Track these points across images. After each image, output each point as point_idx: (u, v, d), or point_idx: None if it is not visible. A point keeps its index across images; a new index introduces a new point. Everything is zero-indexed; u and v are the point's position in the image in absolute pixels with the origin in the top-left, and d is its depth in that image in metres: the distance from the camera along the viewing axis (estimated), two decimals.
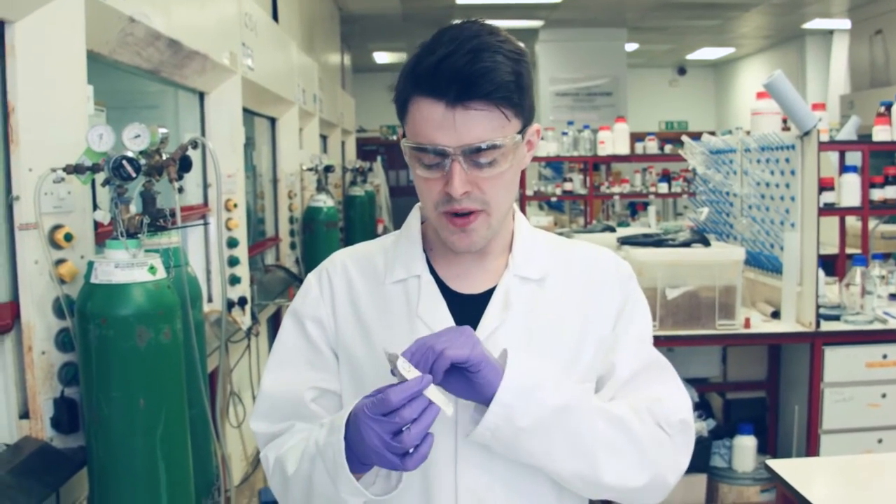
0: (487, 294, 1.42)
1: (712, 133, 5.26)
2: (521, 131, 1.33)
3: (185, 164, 2.39)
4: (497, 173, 1.31)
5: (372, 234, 8.90)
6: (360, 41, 12.32)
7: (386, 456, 1.19)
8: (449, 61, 1.26)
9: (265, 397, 1.47)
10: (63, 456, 2.21)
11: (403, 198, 16.01)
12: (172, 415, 2.17)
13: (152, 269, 2.15)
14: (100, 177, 2.22)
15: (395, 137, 15.51)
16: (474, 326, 1.36)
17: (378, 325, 1.42)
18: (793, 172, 3.82)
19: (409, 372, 1.20)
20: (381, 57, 14.13)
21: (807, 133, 3.66)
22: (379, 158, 12.99)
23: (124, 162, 2.07)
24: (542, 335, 1.39)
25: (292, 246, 6.02)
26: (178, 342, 2.20)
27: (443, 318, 1.39)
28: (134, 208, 2.26)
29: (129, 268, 2.12)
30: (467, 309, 1.40)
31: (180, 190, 2.32)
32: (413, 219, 1.50)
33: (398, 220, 13.23)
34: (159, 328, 2.13)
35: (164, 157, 2.32)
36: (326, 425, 1.31)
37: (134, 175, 2.09)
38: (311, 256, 5.99)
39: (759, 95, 4.25)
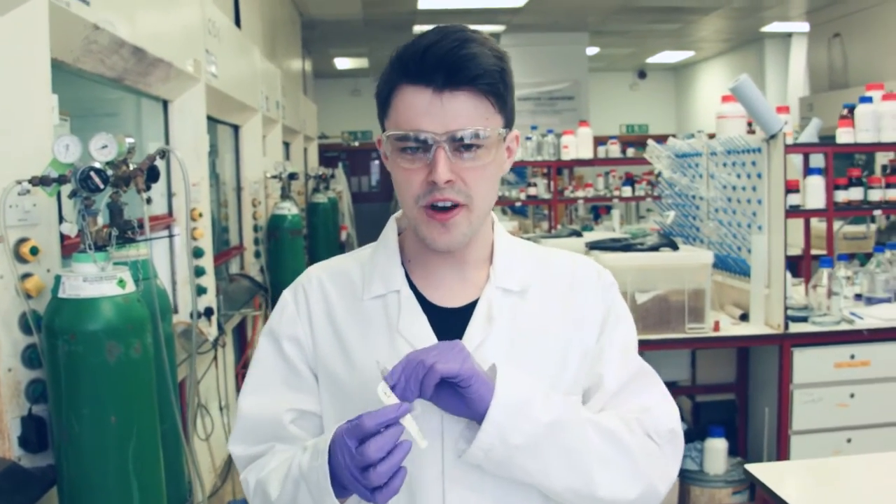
0: (468, 307, 1.39)
1: (673, 136, 5.30)
2: (504, 131, 1.33)
3: (152, 175, 2.35)
4: (480, 165, 1.30)
5: (335, 242, 8.84)
6: (322, 46, 12.25)
7: (358, 489, 1.19)
8: (436, 48, 1.26)
9: (243, 420, 1.44)
10: (32, 475, 2.15)
11: (365, 204, 15.97)
12: (144, 430, 2.12)
13: (121, 283, 2.10)
14: (65, 188, 2.17)
15: (356, 144, 15.46)
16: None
17: (358, 342, 1.39)
18: (759, 175, 3.85)
19: (389, 398, 1.18)
20: (343, 62, 14.07)
21: (773, 136, 3.69)
22: (340, 165, 12.93)
23: (92, 173, 2.02)
24: (527, 348, 1.37)
25: (257, 254, 5.96)
26: (148, 356, 2.15)
27: (424, 333, 1.36)
28: (101, 220, 2.21)
29: (98, 281, 2.07)
30: (448, 323, 1.38)
31: (148, 201, 2.27)
32: (390, 230, 1.47)
33: (360, 227, 13.20)
34: (129, 343, 2.08)
35: (131, 167, 2.28)
36: (310, 449, 1.29)
37: (102, 186, 2.04)
38: (277, 265, 5.93)
39: (725, 99, 4.29)
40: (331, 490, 1.21)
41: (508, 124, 1.35)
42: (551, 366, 1.38)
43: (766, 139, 3.74)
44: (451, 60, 1.25)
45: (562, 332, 1.40)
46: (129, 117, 3.77)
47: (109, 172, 2.14)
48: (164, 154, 2.28)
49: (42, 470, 2.17)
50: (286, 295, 1.47)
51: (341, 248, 9.51)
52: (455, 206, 1.30)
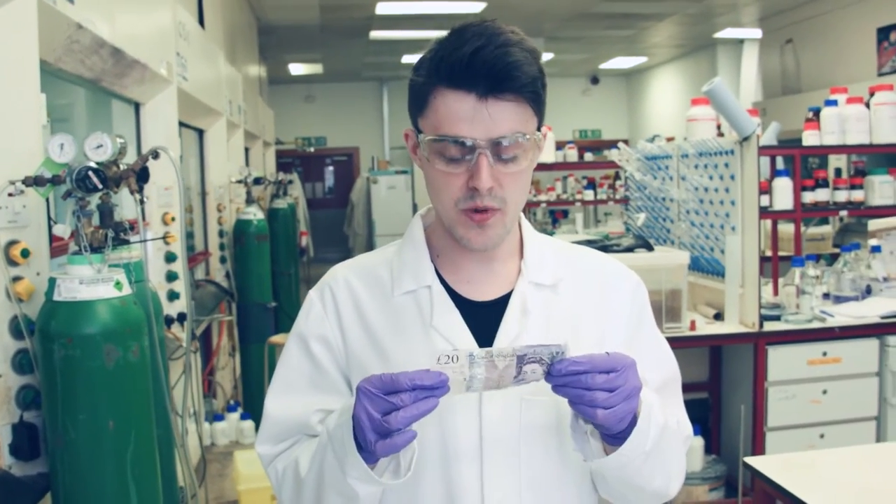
0: (500, 301, 1.38)
1: (625, 141, 5.35)
2: (539, 133, 1.33)
3: (143, 175, 2.31)
4: (518, 170, 1.29)
5: (296, 247, 8.77)
6: (277, 52, 12.17)
7: (364, 430, 1.15)
8: (481, 54, 1.24)
9: (270, 421, 1.41)
10: (23, 484, 2.10)
11: (320, 210, 15.89)
12: (142, 436, 2.09)
13: (118, 285, 2.07)
14: (58, 189, 2.12)
15: (311, 150, 15.37)
16: (492, 334, 1.34)
17: (391, 339, 1.37)
18: (732, 177, 3.90)
19: (455, 363, 1.13)
20: (297, 68, 13.99)
21: (746, 138, 3.75)
22: (295, 171, 12.85)
23: (90, 173, 1.99)
24: (562, 340, 1.36)
25: (222, 260, 5.90)
26: (146, 360, 2.12)
27: (458, 327, 1.35)
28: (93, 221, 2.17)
29: (94, 284, 2.03)
30: (481, 317, 1.37)
31: (141, 202, 2.23)
32: (416, 227, 1.45)
33: (317, 233, 13.13)
34: (128, 346, 2.05)
35: (122, 167, 2.24)
36: (337, 410, 1.27)
37: (100, 186, 2.00)
38: (242, 270, 5.87)
39: (695, 102, 4.34)
40: (353, 443, 1.18)
41: (541, 124, 1.34)
42: None
43: (740, 141, 3.80)
44: (498, 68, 1.24)
45: (595, 328, 1.40)
46: (80, 122, 3.66)
47: None
48: (156, 155, 2.24)
49: (34, 478, 2.13)
50: (312, 295, 1.44)
51: (302, 254, 9.45)
52: (491, 209, 1.30)
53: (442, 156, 1.28)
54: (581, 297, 1.42)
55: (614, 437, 1.23)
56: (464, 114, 1.26)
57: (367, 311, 1.40)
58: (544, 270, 1.41)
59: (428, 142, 1.29)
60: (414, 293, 1.39)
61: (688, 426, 1.45)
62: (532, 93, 1.27)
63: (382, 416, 1.14)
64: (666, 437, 1.30)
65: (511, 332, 1.35)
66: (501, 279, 1.40)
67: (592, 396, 1.16)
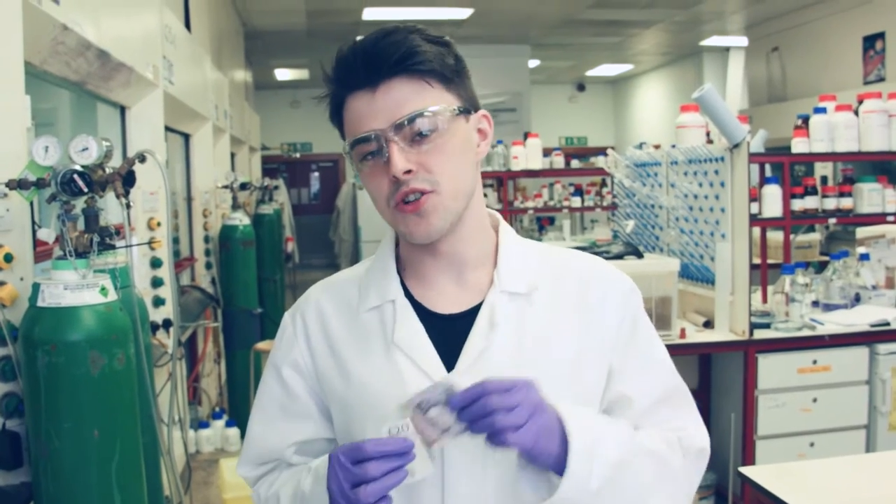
0: (470, 313, 1.32)
1: (612, 148, 5.34)
2: (462, 111, 1.27)
3: (129, 179, 2.27)
4: (436, 147, 1.24)
5: (281, 253, 8.73)
6: (263, 57, 12.12)
7: (338, 502, 1.18)
8: (358, 47, 1.24)
9: (250, 445, 1.43)
10: (6, 494, 2.05)
11: (305, 216, 15.84)
12: (127, 445, 2.05)
13: (103, 291, 2.03)
14: (42, 192, 2.08)
15: (297, 155, 15.33)
16: (458, 348, 1.29)
17: (354, 358, 1.33)
18: (722, 184, 3.89)
19: (407, 431, 1.14)
20: (283, 74, 13.94)
21: (737, 145, 3.73)
22: (281, 177, 12.79)
23: (75, 176, 1.94)
24: (536, 354, 1.30)
25: (208, 266, 5.85)
26: (131, 368, 2.07)
27: (421, 343, 1.30)
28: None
29: (79, 289, 1.99)
30: (449, 330, 1.31)
31: (128, 206, 2.19)
32: (386, 241, 1.42)
33: (301, 239, 13.07)
34: (113, 353, 2.00)
35: (108, 171, 2.20)
36: (312, 471, 1.28)
37: (86, 190, 1.96)
38: (228, 276, 5.82)
39: (684, 108, 4.33)
40: None
41: (468, 105, 1.29)
42: (563, 374, 1.29)
43: (730, 148, 3.78)
44: (373, 53, 1.22)
45: (575, 338, 1.32)
46: (64, 126, 3.61)
47: None
48: (143, 158, 2.20)
49: (16, 488, 2.08)
50: (286, 318, 1.43)
51: (287, 260, 9.40)
52: (423, 194, 1.25)
53: (363, 161, 1.26)
54: (561, 305, 1.34)
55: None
56: (364, 110, 1.25)
57: (333, 331, 1.37)
58: (519, 277, 1.34)
59: (350, 153, 1.28)
60: (379, 308, 1.35)
61: (699, 439, 1.36)
62: (421, 64, 1.23)
63: (352, 488, 1.15)
64: (632, 470, 1.23)
65: (477, 347, 1.29)
66: (471, 289, 1.34)
67: (493, 420, 1.12)
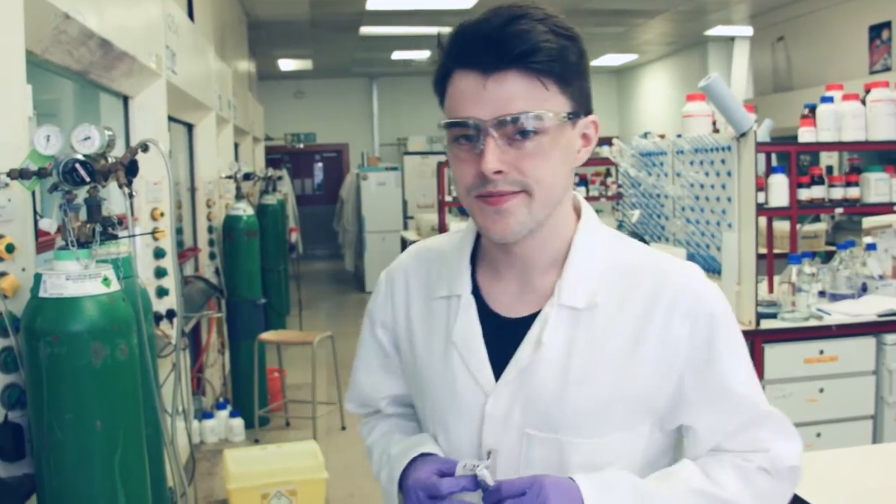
0: (528, 320, 1.28)
1: (616, 138, 5.32)
2: (572, 116, 1.22)
3: (132, 169, 2.25)
4: (535, 150, 1.18)
5: (285, 243, 8.72)
6: (267, 48, 12.09)
7: None
8: (483, 26, 1.18)
9: (354, 388, 1.52)
10: (8, 486, 2.04)
11: (309, 207, 15.81)
12: (131, 437, 2.04)
13: (106, 281, 2.01)
14: (44, 182, 2.06)
15: (300, 146, 15.31)
16: (510, 356, 1.28)
17: (421, 341, 1.38)
18: (729, 174, 3.86)
19: (482, 473, 1.22)
20: (286, 64, 13.91)
21: (744, 134, 3.71)
22: (284, 167, 12.78)
23: (77, 165, 1.93)
24: (578, 374, 1.25)
25: (212, 256, 5.84)
26: (134, 358, 2.06)
27: (477, 347, 1.29)
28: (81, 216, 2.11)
29: (82, 280, 1.97)
30: (506, 335, 1.29)
31: (130, 196, 2.17)
32: (471, 225, 1.36)
33: (306, 229, 13.05)
34: (115, 344, 1.99)
35: (110, 160, 2.18)
36: (386, 469, 1.38)
37: (88, 179, 1.94)
38: (232, 267, 5.81)
39: (690, 97, 4.30)
40: None
41: (579, 108, 1.23)
42: (610, 394, 1.24)
43: (737, 137, 3.76)
44: (496, 38, 1.15)
45: (628, 355, 1.25)
46: (67, 116, 3.60)
47: None
48: (146, 148, 2.18)
49: (19, 479, 2.07)
50: (382, 277, 1.48)
51: (291, 250, 9.40)
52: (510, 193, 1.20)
53: (456, 141, 1.22)
54: (622, 324, 1.26)
55: None
56: (470, 93, 1.19)
57: (412, 308, 1.41)
58: (580, 290, 1.27)
59: (444, 128, 1.23)
60: (447, 300, 1.35)
61: (787, 458, 1.30)
62: (541, 63, 1.17)
63: None
64: None
65: (522, 362, 1.27)
66: (536, 294, 1.30)
67: None
